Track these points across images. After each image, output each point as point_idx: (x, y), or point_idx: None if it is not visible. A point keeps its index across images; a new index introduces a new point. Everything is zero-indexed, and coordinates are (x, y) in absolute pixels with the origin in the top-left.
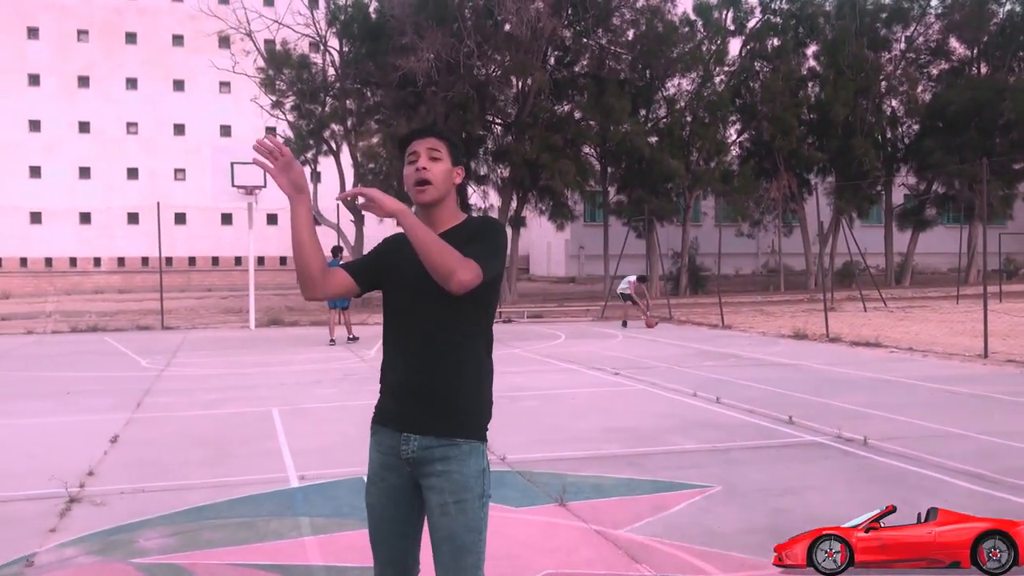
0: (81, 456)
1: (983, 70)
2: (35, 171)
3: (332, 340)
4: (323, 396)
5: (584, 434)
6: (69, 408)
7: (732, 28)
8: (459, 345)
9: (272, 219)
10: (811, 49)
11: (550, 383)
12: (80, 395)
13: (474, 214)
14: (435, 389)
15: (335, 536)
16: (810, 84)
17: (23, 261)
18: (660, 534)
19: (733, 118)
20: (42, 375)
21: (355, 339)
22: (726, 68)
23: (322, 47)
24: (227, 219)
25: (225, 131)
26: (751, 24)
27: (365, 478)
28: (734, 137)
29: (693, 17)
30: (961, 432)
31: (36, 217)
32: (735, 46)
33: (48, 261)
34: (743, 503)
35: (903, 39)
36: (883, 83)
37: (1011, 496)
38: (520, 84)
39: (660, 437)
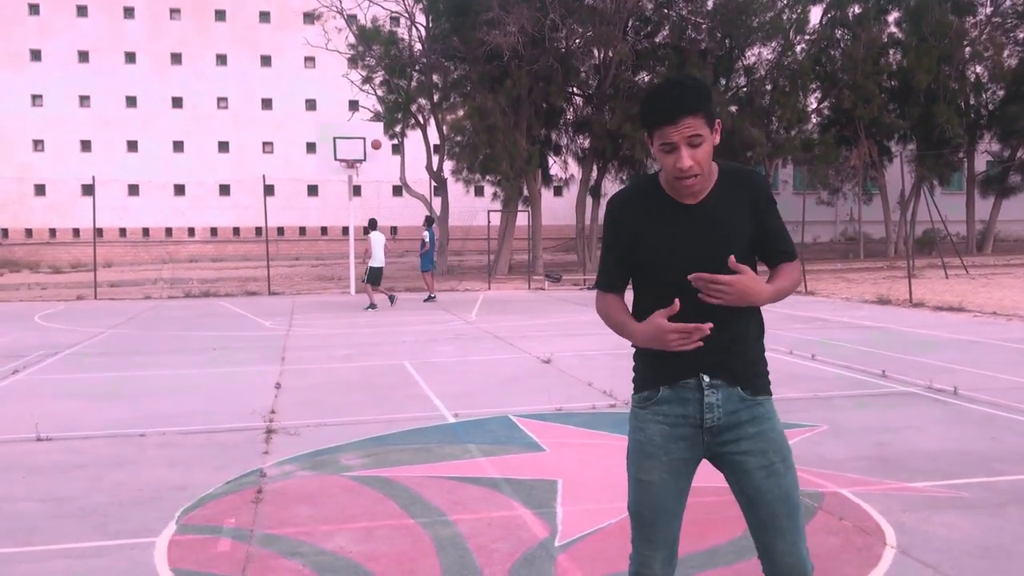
0: (256, 399)
1: None
2: (132, 145)
3: (431, 296)
4: (444, 352)
5: None
6: (222, 362)
7: None
8: (745, 309)
9: (357, 191)
10: (893, 16)
11: None
12: (225, 351)
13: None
14: (734, 340)
15: (503, 458)
16: (892, 51)
17: (122, 231)
18: None
19: (813, 86)
20: (181, 334)
21: (433, 298)
22: (807, 36)
23: (409, 23)
24: (313, 191)
25: (310, 105)
26: None
27: (630, 452)
28: (814, 105)
29: None
30: None
31: (134, 189)
32: (816, 14)
33: (145, 231)
34: (849, 438)
35: (989, 3)
36: (967, 49)
37: None
38: (602, 56)
39: None
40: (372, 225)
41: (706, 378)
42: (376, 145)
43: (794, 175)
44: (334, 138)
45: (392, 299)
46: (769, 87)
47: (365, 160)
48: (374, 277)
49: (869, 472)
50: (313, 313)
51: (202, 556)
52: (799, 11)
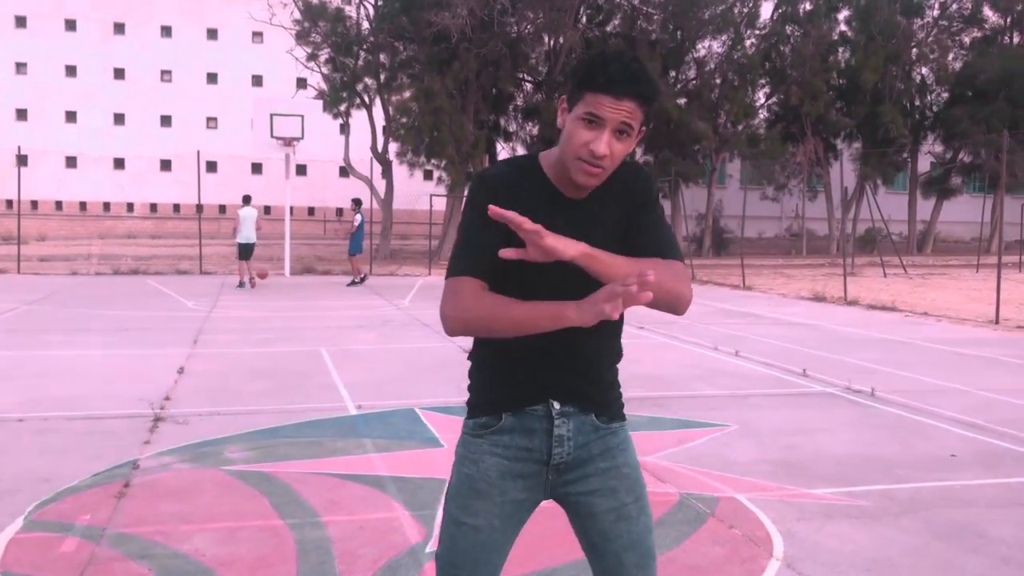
0: (155, 384)
1: (1016, 39)
2: (71, 116)
3: (358, 280)
4: (367, 339)
5: None
6: (131, 343)
7: None
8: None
9: (301, 170)
10: (843, 14)
11: None
12: (137, 332)
13: None
14: (591, 362)
15: (396, 454)
16: (840, 49)
17: (58, 204)
18: (683, 461)
19: (762, 82)
20: (98, 312)
21: (357, 283)
22: (757, 31)
23: (358, 0)
24: (257, 168)
25: (257, 81)
26: None
27: (453, 489)
28: (762, 101)
29: None
30: (963, 388)
31: (72, 161)
32: (767, 9)
33: (83, 205)
34: (758, 440)
35: (936, 5)
36: (914, 50)
37: (999, 441)
38: (552, 42)
39: (682, 383)
40: (245, 201)
41: (556, 405)
42: (263, 274)
43: (741, 170)
44: (271, 115)
45: (250, 282)
46: (718, 81)
47: (303, 138)
48: (245, 253)
49: (771, 477)
50: (241, 295)
51: (40, 558)
52: (750, 5)
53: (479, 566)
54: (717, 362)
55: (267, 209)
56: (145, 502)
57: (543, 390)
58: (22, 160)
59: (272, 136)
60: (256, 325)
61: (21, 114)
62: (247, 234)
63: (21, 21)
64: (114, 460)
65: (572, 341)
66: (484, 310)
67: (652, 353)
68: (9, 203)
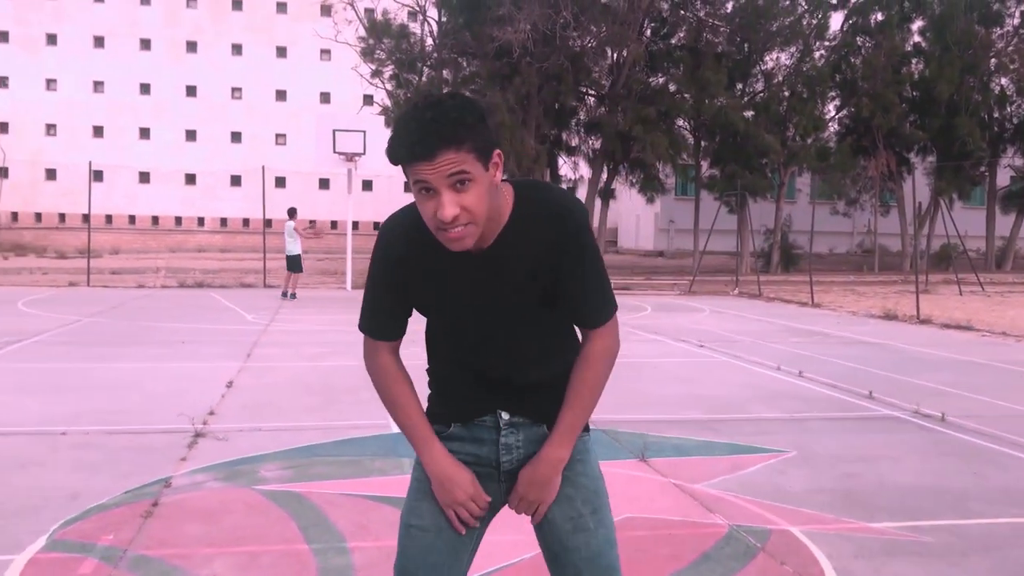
0: (202, 397)
1: None
2: (145, 132)
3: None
4: (418, 355)
5: (667, 400)
6: (186, 356)
7: (834, 2)
8: (550, 345)
9: (367, 185)
10: (916, 24)
11: (635, 353)
12: (194, 344)
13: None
14: (543, 380)
15: None
16: (914, 61)
17: (132, 219)
18: (734, 490)
19: (832, 94)
20: (157, 325)
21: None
22: (826, 43)
23: (421, 17)
24: (324, 184)
25: (325, 98)
26: None
27: (407, 494)
28: (832, 113)
29: None
30: None
31: (145, 177)
32: (837, 20)
33: (155, 219)
34: (816, 467)
35: (1017, 14)
36: (992, 60)
37: None
38: (615, 56)
39: (740, 406)
40: (290, 214)
41: (504, 415)
42: (314, 228)
43: (811, 184)
44: (333, 131)
45: (289, 294)
46: (787, 93)
47: (364, 153)
48: (291, 265)
49: (829, 508)
50: (302, 308)
51: None
52: (820, 17)
53: (429, 570)
54: (779, 383)
55: (333, 224)
56: (171, 523)
57: (491, 402)
58: (97, 175)
59: (334, 151)
60: (312, 339)
61: (98, 131)
62: (289, 247)
63: (99, 41)
64: (148, 477)
65: (519, 361)
66: (386, 393)
67: (711, 373)
68: (85, 217)
